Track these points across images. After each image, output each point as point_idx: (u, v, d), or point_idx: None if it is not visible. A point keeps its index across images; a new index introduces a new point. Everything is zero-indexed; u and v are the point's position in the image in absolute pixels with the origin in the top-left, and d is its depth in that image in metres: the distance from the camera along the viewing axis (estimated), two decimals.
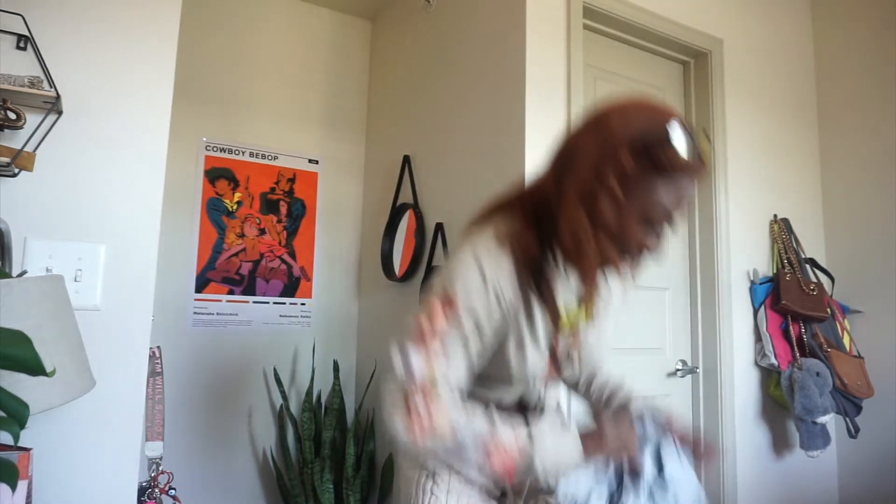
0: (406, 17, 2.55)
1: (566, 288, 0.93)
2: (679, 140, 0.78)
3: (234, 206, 2.46)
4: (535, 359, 0.90)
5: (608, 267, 0.85)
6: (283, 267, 2.54)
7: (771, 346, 2.17)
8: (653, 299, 2.14)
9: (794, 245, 2.35)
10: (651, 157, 0.78)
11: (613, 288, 1.04)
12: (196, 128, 2.40)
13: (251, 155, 2.51)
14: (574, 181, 0.83)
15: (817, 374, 2.08)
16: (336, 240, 2.68)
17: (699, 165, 0.80)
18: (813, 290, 2.23)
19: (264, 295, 2.48)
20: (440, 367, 0.81)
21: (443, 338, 0.82)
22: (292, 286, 2.55)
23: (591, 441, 0.84)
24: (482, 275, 0.83)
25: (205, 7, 2.44)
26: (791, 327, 2.20)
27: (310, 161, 2.65)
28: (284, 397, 2.34)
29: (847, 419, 2.15)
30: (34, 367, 0.77)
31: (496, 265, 0.84)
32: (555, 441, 0.82)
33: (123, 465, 1.24)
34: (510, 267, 0.84)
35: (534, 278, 0.86)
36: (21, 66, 1.19)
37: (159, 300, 1.72)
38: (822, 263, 2.43)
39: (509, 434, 0.81)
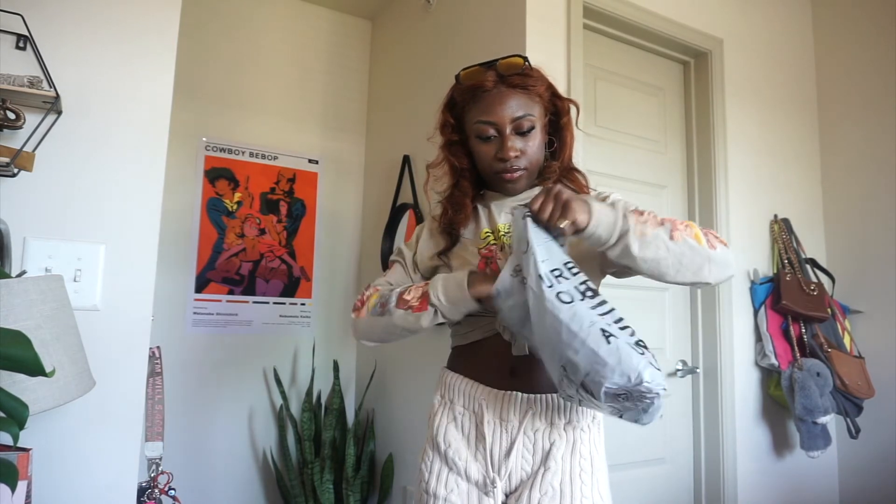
0: (406, 16, 2.55)
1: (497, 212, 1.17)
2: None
3: (234, 206, 2.46)
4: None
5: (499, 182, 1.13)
6: (283, 267, 2.54)
7: (771, 347, 2.17)
8: (653, 299, 2.14)
9: (795, 245, 2.34)
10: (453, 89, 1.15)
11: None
12: (196, 128, 2.40)
13: (251, 155, 2.51)
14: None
15: (818, 374, 2.08)
16: (336, 240, 2.68)
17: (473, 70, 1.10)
18: (813, 290, 2.23)
19: (264, 295, 2.48)
20: (380, 278, 1.22)
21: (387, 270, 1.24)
22: (292, 286, 2.55)
23: (475, 274, 1.05)
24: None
25: (204, 7, 2.44)
26: (791, 327, 2.20)
27: (310, 161, 2.65)
28: (284, 397, 2.34)
29: (847, 419, 2.15)
30: (34, 367, 0.77)
31: (416, 233, 1.26)
32: (445, 278, 1.06)
33: (123, 465, 1.23)
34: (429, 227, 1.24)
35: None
36: (20, 65, 1.19)
37: (159, 300, 1.72)
38: (823, 263, 2.43)
39: (416, 284, 1.10)
